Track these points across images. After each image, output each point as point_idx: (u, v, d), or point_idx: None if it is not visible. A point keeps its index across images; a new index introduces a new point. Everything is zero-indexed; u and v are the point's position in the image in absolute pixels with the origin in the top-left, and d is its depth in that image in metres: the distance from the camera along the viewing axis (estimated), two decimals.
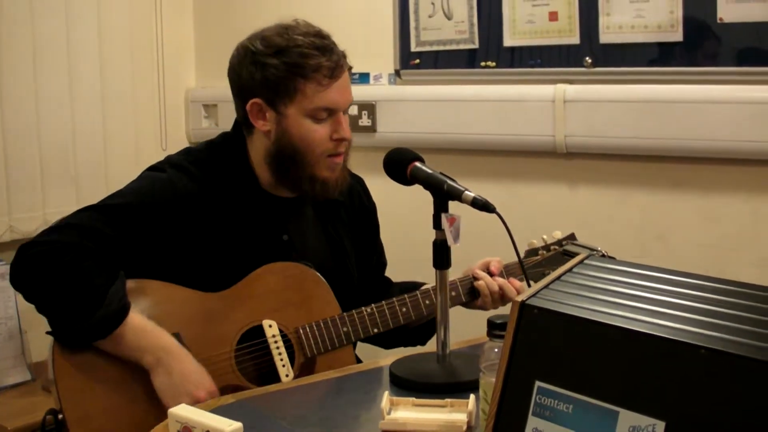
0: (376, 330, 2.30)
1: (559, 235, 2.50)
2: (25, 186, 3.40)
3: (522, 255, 2.41)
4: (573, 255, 2.21)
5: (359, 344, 2.41)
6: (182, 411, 1.72)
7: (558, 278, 1.46)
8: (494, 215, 1.93)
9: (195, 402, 2.04)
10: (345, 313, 2.29)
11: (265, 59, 2.23)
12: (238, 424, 1.66)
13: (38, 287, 2.11)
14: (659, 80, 2.97)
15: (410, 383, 1.98)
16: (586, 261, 1.52)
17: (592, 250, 2.34)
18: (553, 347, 1.33)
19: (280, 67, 2.21)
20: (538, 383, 1.33)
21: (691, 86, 2.92)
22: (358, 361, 2.36)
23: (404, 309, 2.32)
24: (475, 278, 2.39)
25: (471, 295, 2.40)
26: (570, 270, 1.49)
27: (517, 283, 2.38)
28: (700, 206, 3.00)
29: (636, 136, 3.00)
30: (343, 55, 2.28)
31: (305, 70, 2.21)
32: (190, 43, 4.18)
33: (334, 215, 2.49)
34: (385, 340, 2.48)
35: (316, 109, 2.23)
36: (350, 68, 2.32)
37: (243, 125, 2.34)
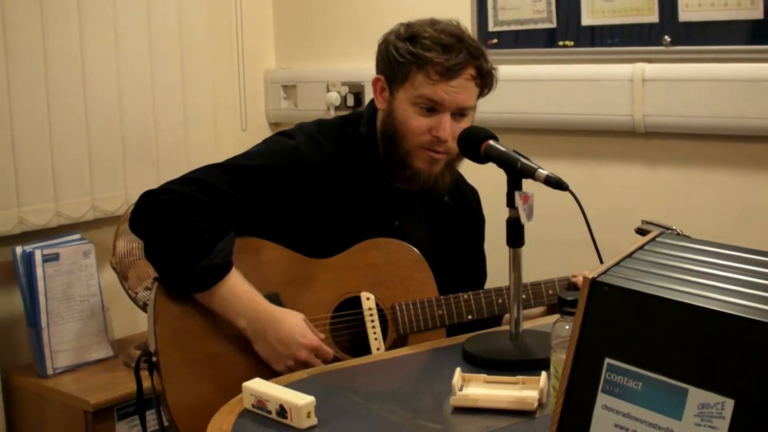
0: (470, 317, 2.31)
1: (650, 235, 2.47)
2: (108, 167, 3.44)
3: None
4: (647, 234, 2.19)
5: None
6: (256, 385, 1.75)
7: (629, 255, 1.44)
8: (568, 193, 1.93)
9: (301, 362, 2.13)
10: (443, 297, 2.31)
11: (395, 42, 2.29)
12: (311, 398, 1.68)
13: (151, 233, 2.20)
14: (740, 58, 2.91)
15: (483, 360, 1.99)
16: (657, 239, 1.51)
17: (666, 229, 2.32)
18: (623, 324, 1.32)
19: (402, 52, 2.26)
20: (607, 360, 1.32)
21: None
22: None
23: (500, 300, 2.32)
24: (574, 276, 2.38)
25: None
26: (641, 247, 1.48)
27: None
28: None
29: (716, 115, 2.95)
30: (478, 67, 2.28)
31: (420, 60, 2.23)
32: (269, 24, 4.20)
33: (442, 217, 2.51)
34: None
35: (419, 97, 2.25)
36: (483, 80, 2.31)
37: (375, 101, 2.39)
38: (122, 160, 3.50)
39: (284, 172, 2.29)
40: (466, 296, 2.31)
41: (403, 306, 2.29)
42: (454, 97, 2.25)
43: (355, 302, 2.28)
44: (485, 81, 2.32)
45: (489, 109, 3.35)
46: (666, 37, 3.04)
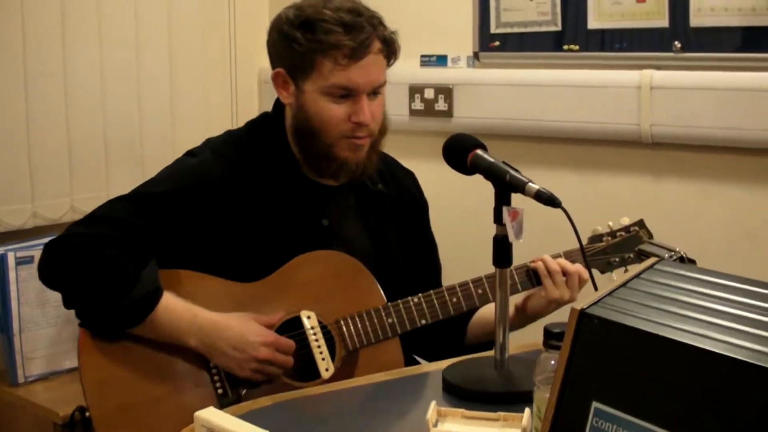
0: (423, 321, 2.18)
1: (626, 221, 2.37)
2: (89, 166, 3.32)
3: (585, 242, 2.28)
4: (648, 255, 2.05)
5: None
6: (209, 415, 1.61)
7: (623, 285, 1.31)
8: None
9: (264, 360, 2.04)
10: (390, 303, 2.19)
11: (290, 31, 2.15)
12: None
13: (68, 280, 2.09)
14: (753, 67, 2.79)
15: (463, 391, 1.85)
16: (656, 266, 1.36)
17: (669, 250, 2.17)
18: (614, 363, 1.19)
19: (300, 41, 2.13)
20: (595, 404, 1.19)
21: None
22: (406, 355, 2.23)
23: (454, 299, 2.19)
24: (532, 262, 2.25)
25: (529, 282, 2.25)
26: (638, 276, 1.33)
27: (579, 266, 2.23)
28: None
29: (727, 126, 2.83)
30: (382, 37, 2.17)
31: (323, 46, 2.11)
32: (264, 20, 4.03)
33: (377, 207, 2.38)
34: (434, 350, 2.38)
35: (331, 87, 2.14)
36: (388, 49, 2.20)
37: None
38: (104, 159, 3.36)
39: (190, 193, 2.17)
40: (416, 299, 2.19)
41: (349, 320, 2.16)
42: (367, 78, 2.15)
43: (296, 324, 2.16)
44: (391, 49, 2.22)
45: (490, 114, 3.34)
46: (676, 42, 2.93)
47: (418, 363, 2.30)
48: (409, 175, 2.52)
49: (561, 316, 1.94)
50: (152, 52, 3.49)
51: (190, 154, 2.28)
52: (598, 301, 1.25)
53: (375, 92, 2.19)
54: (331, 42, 2.10)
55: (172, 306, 2.06)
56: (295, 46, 2.13)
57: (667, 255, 2.04)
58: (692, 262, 2.04)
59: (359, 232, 2.33)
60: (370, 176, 2.31)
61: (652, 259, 1.38)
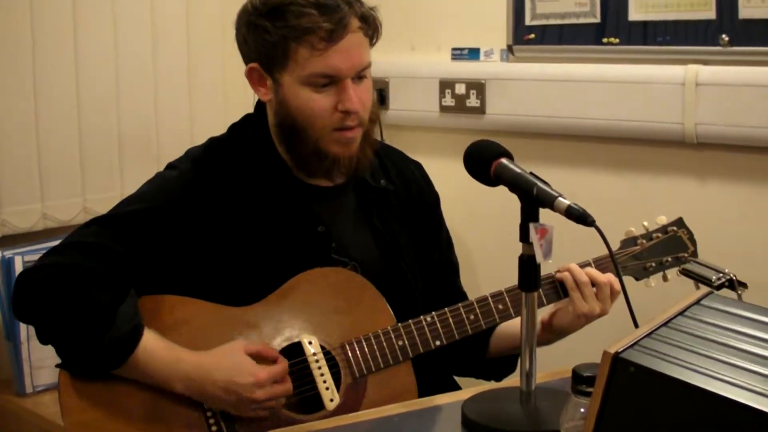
0: (438, 342, 2.03)
1: (663, 220, 2.22)
2: (102, 164, 3.24)
3: (618, 246, 2.13)
4: (693, 276, 1.87)
5: None
6: None
7: (665, 323, 1.14)
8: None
9: (259, 403, 1.91)
10: (400, 324, 2.03)
11: (258, 20, 2.01)
12: None
13: (41, 317, 1.95)
14: None
15: (483, 428, 1.69)
16: (703, 301, 1.19)
17: (718, 272, 1.99)
18: (651, 418, 1.05)
19: (271, 30, 1.98)
20: None
21: None
22: (419, 381, 2.07)
23: (472, 316, 2.04)
24: (558, 272, 2.10)
25: (555, 295, 2.09)
26: (681, 313, 1.16)
27: (611, 275, 2.08)
28: None
29: None
30: (359, 14, 2.01)
31: (297, 32, 1.96)
32: None
33: (381, 205, 2.22)
34: (453, 363, 2.24)
35: (311, 76, 1.99)
36: (369, 27, 2.05)
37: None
38: (118, 157, 3.28)
39: (169, 210, 2.03)
40: (429, 318, 2.03)
41: (355, 344, 2.01)
42: (350, 61, 1.99)
43: (297, 350, 2.01)
44: (372, 26, 2.06)
45: (524, 111, 3.23)
46: (723, 36, 2.78)
47: (431, 384, 2.13)
48: (416, 167, 2.37)
49: (595, 353, 1.78)
50: (170, 43, 3.41)
51: (170, 166, 2.16)
52: (635, 343, 1.10)
53: (360, 76, 2.04)
54: (304, 26, 1.94)
55: (154, 347, 1.92)
56: (265, 36, 1.99)
57: (714, 277, 1.87)
58: (743, 285, 1.88)
59: (361, 236, 2.18)
60: (370, 171, 2.17)
61: (700, 292, 1.21)
